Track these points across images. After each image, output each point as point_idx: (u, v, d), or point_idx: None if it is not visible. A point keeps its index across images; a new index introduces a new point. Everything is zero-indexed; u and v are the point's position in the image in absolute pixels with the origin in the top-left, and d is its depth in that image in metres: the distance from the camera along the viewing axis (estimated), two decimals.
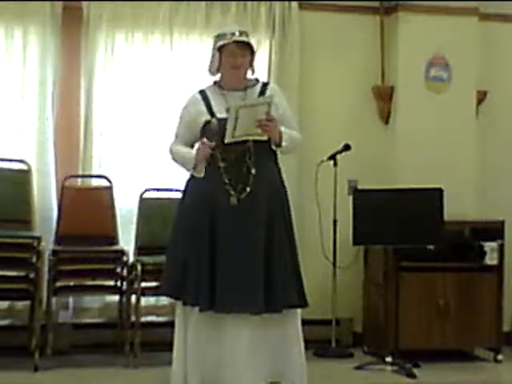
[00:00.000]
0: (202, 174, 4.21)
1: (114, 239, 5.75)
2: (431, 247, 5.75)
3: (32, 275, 5.36)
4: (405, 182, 6.01)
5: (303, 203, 6.05)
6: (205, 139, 4.16)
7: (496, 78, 6.48)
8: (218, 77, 4.38)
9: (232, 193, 4.13)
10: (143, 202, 5.85)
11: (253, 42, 4.34)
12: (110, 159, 5.94)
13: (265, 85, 4.37)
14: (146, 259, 5.54)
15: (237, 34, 4.23)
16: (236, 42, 4.21)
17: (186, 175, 4.40)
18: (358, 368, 5.58)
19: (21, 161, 5.71)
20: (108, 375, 5.30)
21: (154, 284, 5.32)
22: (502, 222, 5.98)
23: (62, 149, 5.88)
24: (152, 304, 5.84)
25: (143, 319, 5.59)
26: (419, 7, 6.17)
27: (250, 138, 4.12)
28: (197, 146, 4.26)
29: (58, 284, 5.49)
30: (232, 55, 4.22)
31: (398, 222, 5.61)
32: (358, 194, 5.78)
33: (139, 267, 5.47)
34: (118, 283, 5.62)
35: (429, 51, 6.25)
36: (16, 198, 5.63)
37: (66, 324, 5.81)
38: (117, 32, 5.93)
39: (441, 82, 6.29)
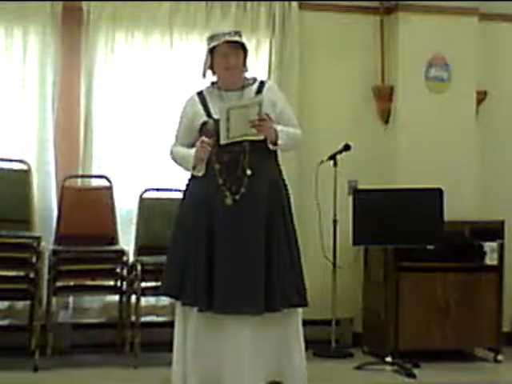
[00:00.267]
0: (201, 173, 4.21)
1: (113, 239, 5.75)
2: (431, 247, 5.75)
3: (32, 275, 5.36)
4: (405, 182, 6.01)
5: (303, 203, 6.05)
6: (204, 137, 4.16)
7: (496, 78, 6.48)
8: (215, 78, 4.38)
9: (227, 194, 4.13)
10: (143, 201, 5.85)
11: (245, 40, 4.31)
12: (109, 159, 5.94)
13: (262, 83, 4.36)
14: (146, 259, 5.54)
15: (228, 34, 4.22)
16: (227, 42, 4.21)
17: (187, 175, 4.40)
18: (358, 368, 5.58)
19: (21, 161, 5.71)
20: (108, 375, 5.30)
21: (153, 284, 5.33)
22: (502, 222, 5.98)
23: (62, 149, 5.88)
24: (152, 304, 5.84)
25: (143, 319, 5.59)
26: (419, 7, 6.17)
27: (246, 138, 4.11)
28: (197, 144, 4.25)
29: (58, 284, 5.49)
30: (224, 56, 4.21)
31: (398, 222, 5.61)
32: (358, 194, 5.78)
33: (139, 267, 5.47)
34: (118, 283, 5.62)
35: (429, 51, 6.25)
36: (16, 198, 5.63)
37: (66, 324, 5.81)
38: (117, 32, 5.93)
39: (441, 81, 6.29)
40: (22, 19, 5.78)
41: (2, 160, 5.69)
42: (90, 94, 5.88)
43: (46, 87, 5.80)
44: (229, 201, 4.13)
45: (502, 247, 5.93)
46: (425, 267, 5.84)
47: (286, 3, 6.14)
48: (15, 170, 5.71)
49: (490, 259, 5.90)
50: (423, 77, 6.26)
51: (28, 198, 5.65)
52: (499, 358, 5.94)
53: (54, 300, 5.54)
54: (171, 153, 4.41)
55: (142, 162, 5.98)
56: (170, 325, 4.47)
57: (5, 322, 5.75)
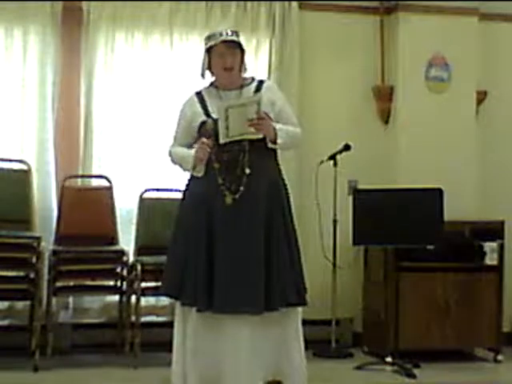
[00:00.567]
0: (201, 173, 4.21)
1: (113, 239, 5.75)
2: (431, 247, 5.75)
3: (32, 275, 5.36)
4: (405, 182, 6.01)
5: (303, 203, 6.05)
6: (204, 139, 4.16)
7: (496, 78, 6.48)
8: (213, 78, 4.37)
9: (226, 193, 4.13)
10: (143, 201, 5.86)
11: (244, 40, 4.32)
12: (109, 159, 5.94)
13: (260, 82, 4.36)
14: (146, 259, 5.54)
15: (225, 33, 4.21)
16: (224, 41, 4.20)
17: (186, 176, 4.40)
18: (358, 368, 5.58)
19: (21, 161, 5.71)
20: (108, 375, 5.30)
21: (154, 284, 5.33)
22: (502, 222, 5.98)
23: (62, 149, 5.88)
24: (152, 304, 5.84)
25: (143, 319, 5.59)
26: (419, 7, 6.17)
27: (246, 137, 4.11)
28: (196, 145, 4.25)
29: (58, 284, 5.49)
30: (221, 56, 4.21)
31: (398, 222, 5.61)
32: (358, 194, 5.78)
33: (139, 267, 5.47)
34: (118, 283, 5.62)
35: (429, 51, 6.25)
36: (16, 198, 5.63)
37: (66, 324, 5.82)
38: (117, 32, 5.94)
39: (441, 82, 6.29)
40: (21, 19, 5.78)
41: (2, 160, 5.69)
42: (90, 94, 5.88)
43: (46, 87, 5.80)
44: (228, 200, 4.13)
45: (502, 247, 5.93)
46: (425, 267, 5.84)
47: (286, 3, 6.14)
48: (15, 170, 5.71)
49: (490, 259, 5.90)
50: (423, 77, 6.26)
51: (28, 197, 5.66)
52: (499, 358, 5.94)
53: (54, 300, 5.54)
54: (170, 154, 4.41)
55: (142, 161, 5.98)
56: (170, 325, 4.46)
57: (5, 322, 5.75)
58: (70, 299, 5.82)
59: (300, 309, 4.31)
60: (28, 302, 5.55)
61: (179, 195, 4.48)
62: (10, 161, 5.70)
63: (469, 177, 6.28)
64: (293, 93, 6.04)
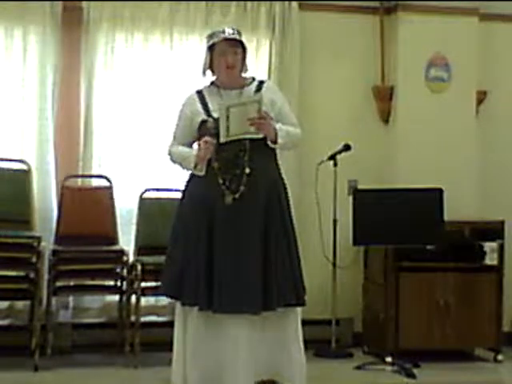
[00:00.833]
0: (202, 173, 4.20)
1: (114, 239, 5.75)
2: (431, 247, 5.75)
3: (32, 275, 5.36)
4: (405, 182, 6.01)
5: (303, 203, 6.05)
6: (207, 137, 4.15)
7: (496, 78, 6.48)
8: (214, 77, 4.37)
9: (226, 193, 4.12)
10: (143, 201, 5.85)
11: (244, 39, 4.31)
12: (109, 159, 5.94)
13: (261, 82, 4.36)
14: (146, 259, 5.54)
15: (227, 32, 4.22)
16: (226, 39, 4.20)
17: (186, 176, 4.40)
18: (358, 368, 5.59)
19: (21, 161, 5.71)
20: (108, 375, 5.30)
21: (154, 284, 5.32)
22: (502, 222, 5.98)
23: (62, 149, 5.88)
24: (152, 304, 5.84)
25: (143, 319, 5.59)
26: (419, 7, 6.17)
27: (246, 136, 4.11)
28: (197, 144, 4.25)
29: (58, 284, 5.49)
30: (223, 54, 4.21)
31: (398, 222, 5.61)
32: (358, 194, 5.78)
33: (139, 267, 5.47)
34: (118, 283, 5.62)
35: (429, 51, 6.25)
36: (16, 198, 5.63)
37: (66, 324, 5.82)
38: (117, 32, 5.93)
39: (441, 82, 6.29)
40: (21, 19, 5.78)
41: (2, 160, 5.69)
42: (90, 94, 5.88)
43: (46, 87, 5.80)
44: (228, 200, 4.13)
45: (502, 247, 5.93)
46: (425, 267, 5.84)
47: (286, 3, 6.14)
48: (15, 170, 5.71)
49: (490, 259, 5.90)
50: (423, 77, 6.26)
51: (28, 197, 5.66)
52: (499, 357, 5.94)
53: (53, 300, 5.54)
54: (169, 153, 4.40)
55: (142, 161, 5.98)
56: (170, 325, 4.47)
57: (5, 322, 5.75)
58: (70, 299, 5.82)
59: (299, 309, 4.31)
60: (28, 302, 5.55)
61: (179, 195, 4.48)
62: (10, 161, 5.70)
63: (469, 177, 6.28)
64: (293, 93, 6.04)
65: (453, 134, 6.25)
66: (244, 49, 4.28)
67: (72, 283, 5.64)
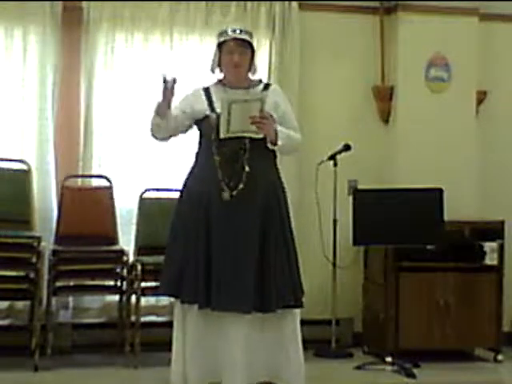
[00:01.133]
0: (164, 120, 4.16)
1: (114, 239, 5.75)
2: (431, 247, 5.75)
3: (32, 275, 5.36)
4: (405, 182, 6.01)
5: (303, 203, 6.05)
6: (169, 78, 4.13)
7: (496, 78, 6.48)
8: (221, 75, 4.38)
9: (225, 188, 4.12)
10: (143, 201, 5.85)
11: (254, 41, 4.33)
12: (109, 159, 5.94)
13: (267, 85, 4.36)
14: (146, 259, 5.54)
15: (238, 31, 4.23)
16: (235, 39, 4.21)
17: (185, 173, 4.39)
18: (358, 368, 5.58)
19: (21, 161, 5.71)
20: (108, 375, 5.30)
21: (153, 284, 5.32)
22: (502, 222, 5.98)
23: (61, 149, 5.88)
24: (152, 304, 5.84)
25: (143, 319, 5.59)
26: (419, 7, 6.17)
27: (246, 134, 4.10)
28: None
29: (58, 284, 5.49)
30: (230, 52, 4.23)
31: (398, 222, 5.61)
32: (358, 194, 5.78)
33: (139, 267, 5.47)
34: (118, 283, 5.62)
35: (429, 51, 6.25)
36: (16, 198, 5.63)
37: (66, 324, 5.82)
38: (117, 32, 5.93)
39: (441, 82, 6.29)
40: (21, 19, 5.78)
41: (2, 160, 5.69)
42: (90, 94, 5.88)
43: (46, 87, 5.79)
44: (226, 195, 4.12)
45: (502, 247, 5.93)
46: (425, 267, 5.84)
47: (286, 3, 6.14)
48: (15, 170, 5.71)
49: (490, 259, 5.90)
50: (423, 77, 6.26)
51: (28, 197, 5.66)
52: (499, 357, 5.94)
53: (53, 300, 5.54)
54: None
55: (142, 161, 5.98)
56: (170, 325, 4.47)
57: (5, 322, 5.75)
58: (70, 299, 5.82)
59: (297, 310, 4.30)
60: (28, 302, 5.54)
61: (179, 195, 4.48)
62: (10, 161, 5.70)
63: (469, 177, 6.28)
64: (293, 93, 6.03)
65: (453, 134, 6.25)
66: (253, 50, 4.28)
67: (72, 283, 5.63)
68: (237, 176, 4.13)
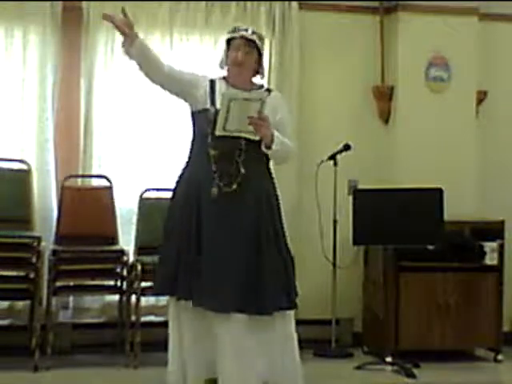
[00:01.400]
0: (134, 47, 4.14)
1: (114, 239, 5.75)
2: (431, 247, 5.75)
3: (32, 275, 5.36)
4: (405, 182, 6.01)
5: (303, 203, 6.05)
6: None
7: (496, 78, 6.48)
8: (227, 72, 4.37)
9: (217, 182, 4.10)
10: (143, 201, 5.85)
11: (264, 45, 4.30)
12: (109, 159, 5.94)
13: (268, 91, 4.35)
14: (145, 259, 5.53)
15: (248, 31, 4.23)
16: (243, 37, 4.21)
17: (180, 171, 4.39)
18: (358, 368, 5.59)
19: (21, 161, 5.72)
20: (108, 375, 5.30)
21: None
22: (502, 222, 5.98)
23: (61, 149, 5.88)
24: (152, 304, 5.84)
25: (143, 319, 5.59)
26: (419, 7, 6.18)
27: (242, 134, 4.09)
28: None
29: (58, 284, 5.49)
30: (236, 49, 4.22)
31: (398, 222, 5.61)
32: (358, 194, 5.79)
33: (139, 267, 5.47)
34: (118, 283, 5.62)
35: (429, 51, 6.25)
36: (16, 198, 5.64)
37: (66, 324, 5.82)
38: (117, 32, 5.91)
39: (441, 82, 6.29)
40: (21, 19, 5.78)
41: (2, 160, 5.69)
42: (90, 94, 5.88)
43: (46, 87, 5.80)
44: (215, 191, 4.09)
45: (502, 247, 5.93)
46: (425, 267, 5.84)
47: (286, 3, 6.14)
48: (15, 170, 5.71)
49: (490, 259, 5.91)
50: (423, 77, 6.26)
51: (28, 198, 5.66)
52: (499, 357, 5.94)
53: (54, 300, 5.54)
54: None
55: (142, 161, 5.98)
56: None
57: (5, 322, 5.75)
58: (70, 299, 5.82)
59: (292, 312, 4.27)
60: (28, 302, 5.55)
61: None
62: (10, 161, 5.71)
63: (469, 177, 6.29)
64: (293, 92, 6.05)
65: (453, 134, 6.25)
66: (260, 54, 4.26)
67: (72, 283, 5.64)
68: (230, 176, 4.12)
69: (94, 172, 5.89)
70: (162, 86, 4.28)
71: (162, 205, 5.70)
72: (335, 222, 5.98)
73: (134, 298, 5.52)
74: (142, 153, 5.98)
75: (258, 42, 4.24)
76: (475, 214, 6.20)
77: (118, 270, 5.60)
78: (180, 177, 4.31)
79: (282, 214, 4.31)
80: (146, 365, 5.43)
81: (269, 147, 4.14)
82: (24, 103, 5.80)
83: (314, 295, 6.05)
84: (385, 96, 6.32)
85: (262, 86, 4.37)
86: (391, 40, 6.30)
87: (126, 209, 5.93)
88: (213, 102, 4.21)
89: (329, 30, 6.30)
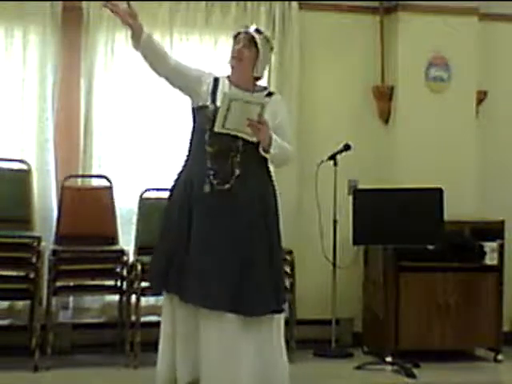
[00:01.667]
0: (140, 37, 4.15)
1: (114, 239, 5.75)
2: (431, 247, 5.75)
3: (32, 275, 5.36)
4: (405, 182, 6.01)
5: (303, 203, 6.05)
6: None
7: (496, 78, 6.48)
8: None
9: (211, 178, 4.09)
10: (143, 201, 5.85)
11: (265, 45, 4.28)
12: (109, 159, 5.94)
13: (270, 94, 4.34)
14: (146, 259, 5.52)
15: (252, 28, 4.23)
16: (245, 32, 4.21)
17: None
18: (358, 368, 5.59)
19: (21, 161, 5.72)
20: (108, 375, 5.30)
21: None
22: (502, 222, 5.98)
23: (61, 149, 5.88)
24: (152, 304, 5.84)
25: (143, 319, 5.58)
26: (419, 7, 6.18)
27: (240, 135, 4.09)
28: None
29: (58, 284, 5.49)
30: (237, 43, 4.23)
31: (398, 222, 5.61)
32: (358, 194, 5.79)
33: (139, 267, 5.47)
34: (118, 283, 5.62)
35: (429, 51, 6.25)
36: (16, 198, 5.64)
37: (66, 324, 5.82)
38: (117, 32, 5.92)
39: (441, 82, 6.29)
40: (21, 19, 5.78)
41: (2, 160, 5.69)
42: (90, 94, 5.88)
43: (46, 87, 5.80)
44: (207, 188, 4.09)
45: (502, 247, 5.93)
46: (425, 267, 5.84)
47: (286, 3, 6.14)
48: (15, 170, 5.71)
49: (490, 259, 5.91)
50: (423, 77, 6.26)
51: (28, 198, 5.66)
52: (499, 357, 5.94)
53: (54, 300, 5.53)
54: None
55: (142, 161, 5.98)
56: None
57: (5, 322, 5.75)
58: (70, 299, 5.82)
59: (282, 315, 4.25)
60: (28, 302, 5.55)
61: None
62: (10, 161, 5.71)
63: (469, 177, 6.29)
64: (293, 93, 6.05)
65: (453, 134, 6.25)
66: (258, 51, 4.24)
67: (72, 283, 5.64)
68: (225, 174, 4.11)
69: (94, 172, 5.89)
70: (167, 79, 4.27)
71: (162, 205, 5.68)
72: (335, 221, 5.98)
73: (134, 297, 5.52)
74: (142, 153, 5.98)
75: (258, 39, 4.23)
76: (475, 214, 6.20)
77: (118, 269, 5.60)
78: (178, 176, 4.31)
79: (280, 215, 4.30)
80: (145, 365, 5.41)
81: (266, 151, 4.13)
82: (24, 103, 5.80)
83: (314, 295, 6.06)
84: (385, 96, 6.32)
85: (265, 88, 4.36)
86: (391, 40, 6.30)
87: (126, 209, 5.93)
88: (213, 100, 4.20)
89: (329, 30, 6.30)
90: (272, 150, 4.12)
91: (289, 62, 6.13)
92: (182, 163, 4.31)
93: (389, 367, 5.59)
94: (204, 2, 6.02)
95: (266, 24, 6.09)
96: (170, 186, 4.98)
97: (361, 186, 6.17)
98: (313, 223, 6.04)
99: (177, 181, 4.29)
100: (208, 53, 6.03)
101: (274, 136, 4.14)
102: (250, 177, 4.14)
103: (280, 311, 4.20)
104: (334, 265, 5.98)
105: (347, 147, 5.99)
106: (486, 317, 5.90)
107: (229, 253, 4.08)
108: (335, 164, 5.98)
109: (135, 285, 5.49)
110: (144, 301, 5.62)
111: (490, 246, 5.90)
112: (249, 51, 4.22)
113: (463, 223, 5.96)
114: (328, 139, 6.12)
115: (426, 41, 6.23)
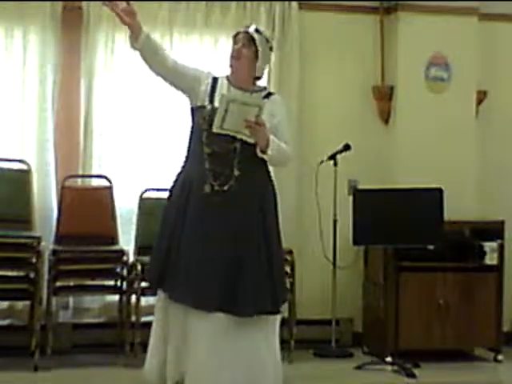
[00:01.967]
0: (139, 37, 4.15)
1: (113, 239, 5.75)
2: (431, 247, 5.75)
3: (32, 275, 5.36)
4: (405, 182, 6.01)
5: (303, 203, 6.05)
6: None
7: (496, 78, 6.48)
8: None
9: (211, 180, 4.09)
10: (143, 201, 5.86)
11: (265, 44, 4.27)
12: (110, 159, 5.94)
13: (269, 94, 4.33)
14: (146, 259, 5.51)
15: (252, 28, 4.22)
16: (244, 32, 4.20)
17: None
18: (358, 368, 5.59)
19: (21, 161, 5.72)
20: (108, 375, 5.30)
21: None
22: (502, 222, 5.98)
23: (62, 149, 5.88)
24: (152, 304, 5.80)
25: (143, 319, 5.57)
26: (419, 7, 6.18)
27: (238, 135, 4.08)
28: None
29: (58, 284, 5.49)
30: (236, 43, 4.22)
31: (398, 222, 5.61)
32: (358, 194, 5.79)
33: (139, 267, 5.47)
34: (118, 283, 5.62)
35: (429, 51, 6.25)
36: (16, 198, 5.64)
37: (66, 324, 5.82)
38: (117, 32, 5.92)
39: (441, 82, 6.29)
40: (21, 19, 5.78)
41: (2, 160, 5.69)
42: (90, 94, 5.88)
43: (46, 87, 5.80)
44: (207, 188, 4.08)
45: (502, 247, 5.93)
46: (425, 267, 5.84)
47: (286, 3, 6.14)
48: (15, 170, 5.71)
49: (490, 259, 5.91)
50: (423, 77, 6.27)
51: (28, 197, 5.66)
52: (499, 357, 5.94)
53: (54, 300, 5.54)
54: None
55: (142, 161, 5.98)
56: None
57: (5, 322, 5.75)
58: (70, 299, 5.82)
59: (277, 316, 4.23)
60: (28, 302, 5.54)
61: None
62: (10, 161, 5.71)
63: (469, 177, 6.29)
64: (293, 93, 6.05)
65: (453, 134, 6.25)
66: (257, 50, 4.23)
67: (72, 283, 5.64)
68: (225, 174, 4.10)
69: (94, 172, 5.90)
70: (166, 79, 4.25)
71: (162, 205, 5.66)
72: (335, 221, 5.98)
73: (134, 297, 5.52)
74: (141, 153, 5.98)
75: (257, 38, 4.22)
76: (475, 213, 6.20)
77: (118, 270, 5.60)
78: (177, 177, 4.31)
79: (280, 215, 4.29)
80: None
81: (264, 152, 4.12)
82: (24, 103, 5.80)
83: (314, 295, 6.06)
84: (385, 96, 6.32)
85: (264, 88, 4.35)
86: (391, 40, 6.30)
87: (126, 209, 5.93)
88: (211, 101, 4.20)
89: (329, 30, 6.30)
90: (270, 151, 4.11)
91: (288, 61, 6.13)
92: (181, 165, 4.30)
93: (389, 367, 5.59)
94: (204, 2, 6.02)
95: (266, 24, 6.09)
96: (169, 186, 4.98)
97: (361, 186, 6.17)
98: (313, 223, 6.04)
99: (176, 181, 4.29)
100: (208, 53, 6.04)
101: (272, 137, 4.13)
102: (249, 177, 4.13)
103: (275, 313, 4.18)
104: (334, 265, 5.98)
105: (347, 147, 5.99)
106: (486, 317, 5.90)
107: (224, 252, 4.07)
108: (335, 164, 5.98)
109: (135, 285, 5.49)
110: (144, 301, 5.61)
111: (489, 245, 5.90)
112: (248, 50, 4.21)
113: (463, 223, 5.96)
114: (328, 139, 6.12)
115: (425, 41, 6.23)
